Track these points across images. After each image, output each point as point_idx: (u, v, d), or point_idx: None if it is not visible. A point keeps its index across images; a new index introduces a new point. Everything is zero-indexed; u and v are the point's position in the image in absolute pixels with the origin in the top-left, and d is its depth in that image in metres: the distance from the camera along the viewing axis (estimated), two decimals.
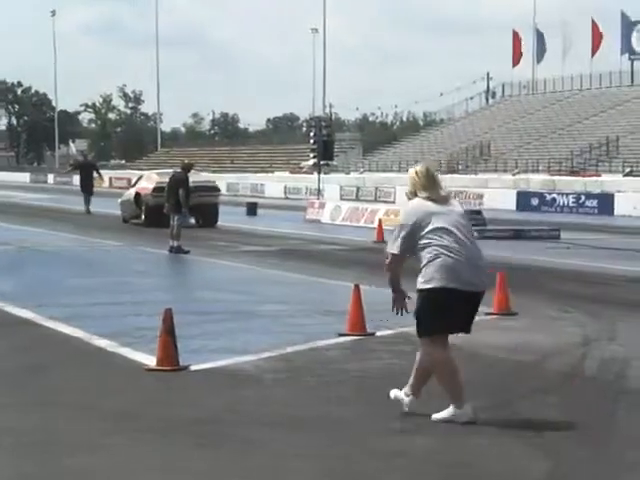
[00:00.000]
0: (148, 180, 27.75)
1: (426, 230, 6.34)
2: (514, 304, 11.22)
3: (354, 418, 6.52)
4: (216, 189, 28.41)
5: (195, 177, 28.09)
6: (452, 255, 6.31)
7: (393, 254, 6.49)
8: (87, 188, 33.30)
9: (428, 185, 6.50)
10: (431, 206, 6.42)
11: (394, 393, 6.70)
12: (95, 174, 33.97)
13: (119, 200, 29.48)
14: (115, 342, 9.06)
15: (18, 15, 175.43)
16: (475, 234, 6.78)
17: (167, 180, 24.94)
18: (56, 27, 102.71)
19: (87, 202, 32.85)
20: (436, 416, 6.36)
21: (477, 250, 6.51)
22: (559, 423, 6.39)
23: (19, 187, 64.23)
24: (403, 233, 6.42)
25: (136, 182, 29.07)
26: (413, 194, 6.54)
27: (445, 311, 6.35)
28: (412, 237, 6.39)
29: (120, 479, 5.16)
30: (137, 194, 27.47)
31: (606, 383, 7.68)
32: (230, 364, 8.20)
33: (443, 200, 6.52)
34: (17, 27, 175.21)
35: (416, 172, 6.59)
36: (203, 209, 26.14)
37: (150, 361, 8.03)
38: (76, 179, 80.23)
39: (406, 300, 6.60)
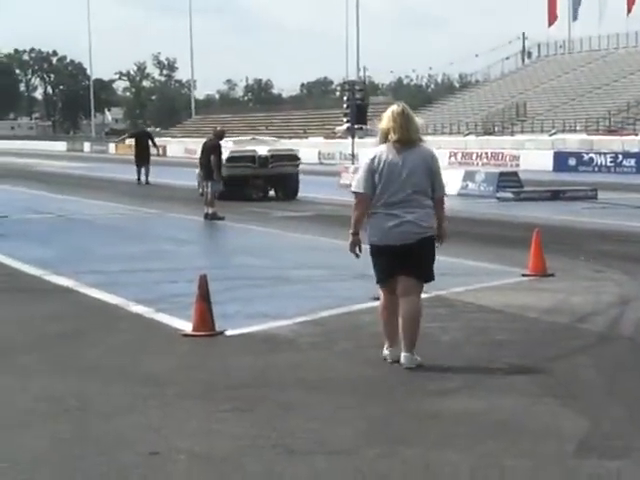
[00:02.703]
0: (223, 149, 26.23)
1: (376, 175, 6.73)
2: (550, 265, 11.15)
3: (390, 381, 6.54)
4: (296, 157, 26.03)
5: (273, 145, 26.96)
6: (379, 208, 6.74)
7: (355, 193, 6.89)
8: (144, 158, 32.12)
9: (401, 125, 6.74)
10: (386, 151, 6.76)
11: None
12: (151, 143, 32.69)
13: (196, 171, 28.02)
14: (151, 308, 9.13)
15: None
16: (438, 183, 6.87)
17: (245, 148, 25.00)
18: None
19: (144, 173, 31.72)
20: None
21: (415, 200, 6.71)
22: (596, 384, 6.36)
23: (56, 156, 64.68)
24: (362, 173, 6.84)
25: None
26: (384, 132, 6.80)
27: (377, 263, 6.89)
28: (369, 177, 6.77)
29: (157, 443, 5.20)
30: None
31: None
32: (265, 329, 8.24)
33: (410, 143, 6.77)
34: None
35: (392, 112, 6.85)
36: (281, 180, 24.68)
37: (186, 327, 8.09)
38: (112, 147, 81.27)
39: (356, 248, 6.93)
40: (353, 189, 6.92)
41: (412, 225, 6.71)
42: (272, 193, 25.01)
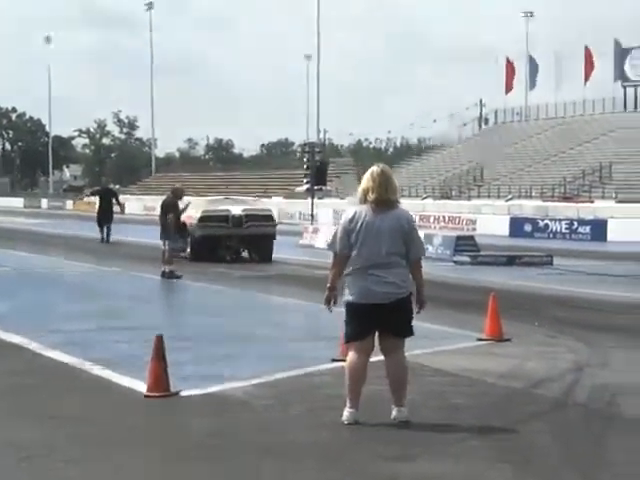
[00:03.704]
0: (195, 209, 24.22)
1: (353, 235, 6.86)
2: (506, 330, 11.22)
3: (345, 445, 6.51)
4: (271, 218, 25.01)
5: (248, 205, 25.97)
6: (358, 268, 6.83)
7: (333, 253, 7.01)
8: (107, 216, 31.25)
9: (379, 185, 6.88)
10: (365, 211, 6.89)
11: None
12: (115, 202, 31.77)
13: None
14: (106, 368, 9.03)
15: (12, 41, 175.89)
16: (415, 245, 7.01)
17: (218, 208, 24.07)
18: (50, 53, 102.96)
19: (106, 230, 30.91)
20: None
21: (393, 262, 6.84)
22: (550, 450, 6.38)
23: (14, 212, 64.17)
24: (339, 234, 6.95)
25: (183, 210, 25.20)
26: (364, 192, 6.93)
27: (351, 321, 6.93)
28: (346, 237, 6.91)
29: None
30: (183, 224, 22.82)
31: (597, 410, 7.67)
32: (221, 390, 8.19)
33: (388, 204, 6.91)
34: (11, 52, 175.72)
35: (372, 172, 6.99)
36: (256, 241, 23.66)
37: (141, 387, 8.01)
38: (69, 204, 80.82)
39: (331, 302, 7.05)
40: (330, 248, 7.06)
41: (393, 286, 6.84)
42: (245, 255, 24.17)
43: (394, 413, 6.95)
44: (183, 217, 23.59)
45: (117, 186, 49.08)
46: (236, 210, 24.12)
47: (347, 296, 6.97)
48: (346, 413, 6.96)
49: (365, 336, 6.92)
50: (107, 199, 31.99)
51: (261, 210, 25.80)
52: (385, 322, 6.86)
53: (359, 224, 6.87)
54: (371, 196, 6.89)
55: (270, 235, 24.11)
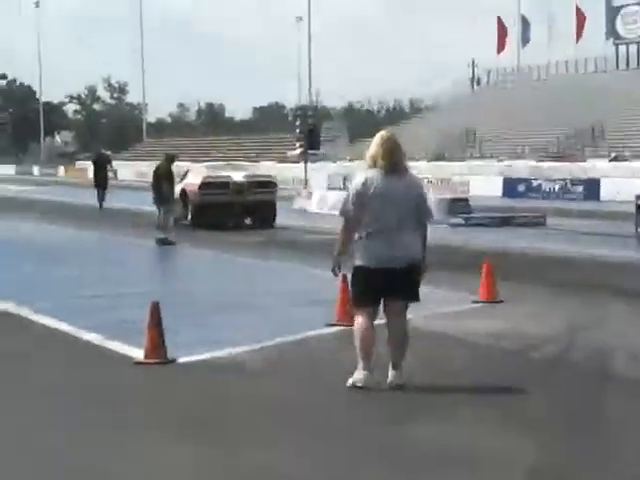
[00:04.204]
0: (195, 175, 24.28)
1: (366, 199, 6.85)
2: (500, 292, 11.25)
3: (342, 409, 6.54)
4: (273, 184, 24.66)
5: (249, 171, 26.12)
6: (373, 233, 6.84)
7: (343, 216, 7.01)
8: (102, 182, 31.40)
9: (388, 151, 6.91)
10: (376, 176, 6.89)
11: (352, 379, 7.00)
12: (109, 168, 31.86)
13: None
14: (102, 335, 9.03)
15: (2, 6, 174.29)
16: (424, 209, 7.10)
17: (218, 174, 23.79)
18: (40, 18, 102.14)
19: (100, 198, 31.08)
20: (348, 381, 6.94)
21: (406, 226, 6.88)
22: (546, 413, 6.41)
23: (5, 180, 63.93)
24: (351, 199, 6.94)
25: (183, 177, 24.64)
26: (373, 158, 6.93)
27: (361, 285, 6.95)
28: (357, 202, 6.89)
29: (103, 473, 5.14)
30: (183, 191, 23.40)
31: (593, 371, 7.71)
32: (217, 356, 8.19)
33: (398, 169, 6.94)
34: (1, 18, 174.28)
35: (380, 137, 7.03)
36: (258, 207, 23.40)
37: (138, 354, 8.02)
38: (61, 170, 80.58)
39: (338, 268, 7.10)
40: (341, 213, 7.04)
41: (406, 250, 6.89)
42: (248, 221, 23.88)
43: (390, 376, 6.98)
44: (184, 184, 23.78)
45: (109, 152, 48.80)
46: (237, 176, 23.86)
47: (359, 260, 6.96)
48: (360, 376, 6.92)
49: (375, 301, 6.95)
50: (101, 165, 32.11)
51: (262, 176, 25.48)
52: (396, 286, 6.89)
53: (371, 189, 6.88)
54: (381, 162, 6.92)
55: (272, 201, 23.91)
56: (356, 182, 7.02)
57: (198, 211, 23.07)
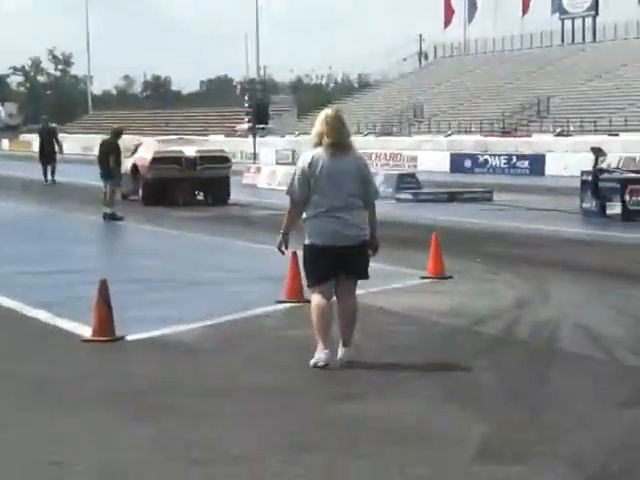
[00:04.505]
0: (146, 150, 23.75)
1: (312, 179, 6.84)
2: (448, 267, 11.34)
3: (292, 386, 6.56)
4: (227, 159, 24.26)
5: (202, 146, 25.45)
6: (322, 212, 6.83)
7: (290, 196, 7.02)
8: (50, 156, 30.64)
9: (334, 129, 6.89)
10: (322, 155, 6.87)
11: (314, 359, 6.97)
12: (55, 142, 30.95)
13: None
14: (49, 312, 8.96)
15: None
16: (371, 188, 7.11)
17: (170, 149, 23.29)
18: None
19: (50, 171, 30.36)
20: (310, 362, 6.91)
21: (355, 204, 6.89)
22: (495, 388, 6.49)
23: None
24: (297, 178, 6.94)
25: (134, 151, 24.37)
26: (319, 136, 6.92)
27: (315, 264, 6.95)
28: (304, 181, 6.89)
29: (55, 453, 5.11)
30: (134, 166, 23.18)
31: (539, 347, 7.82)
32: (167, 334, 8.17)
33: (344, 147, 6.94)
34: None
35: (326, 115, 7.00)
36: (211, 184, 23.06)
37: (86, 332, 7.96)
38: (5, 143, 79.32)
39: (282, 246, 7.08)
40: (288, 192, 7.04)
41: (357, 228, 6.91)
42: (200, 197, 23.69)
43: (340, 353, 7.01)
44: (135, 158, 23.51)
45: (53, 124, 47.99)
46: (189, 152, 23.35)
47: (308, 239, 6.97)
48: (322, 355, 6.88)
49: (330, 278, 6.94)
50: (48, 138, 31.31)
51: (215, 151, 24.97)
52: (346, 264, 6.91)
53: (318, 168, 6.85)
54: (327, 140, 6.88)
55: (225, 177, 23.53)
56: (302, 161, 7.00)
57: (149, 187, 22.69)
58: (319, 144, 6.94)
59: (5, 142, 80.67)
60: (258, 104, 39.26)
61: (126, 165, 23.10)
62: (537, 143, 43.27)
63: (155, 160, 22.63)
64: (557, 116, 50.07)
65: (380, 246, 7.22)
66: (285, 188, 7.25)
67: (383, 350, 7.60)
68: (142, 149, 24.06)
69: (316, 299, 6.99)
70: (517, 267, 12.29)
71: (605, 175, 19.68)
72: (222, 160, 23.92)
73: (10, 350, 7.70)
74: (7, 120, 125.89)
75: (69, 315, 8.79)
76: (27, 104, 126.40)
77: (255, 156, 41.27)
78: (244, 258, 13.68)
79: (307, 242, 7.00)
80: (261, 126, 42.04)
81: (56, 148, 31.00)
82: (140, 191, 23.00)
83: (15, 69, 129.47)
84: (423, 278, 11.15)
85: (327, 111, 7.06)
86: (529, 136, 46.37)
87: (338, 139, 6.90)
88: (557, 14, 64.19)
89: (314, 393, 6.38)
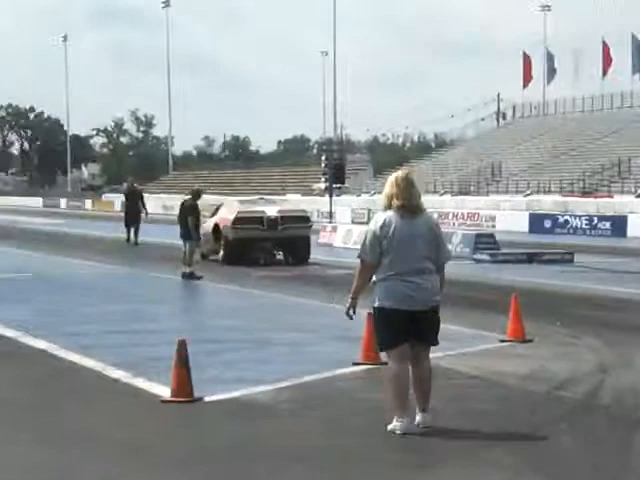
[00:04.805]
0: (228, 210, 23.91)
1: (384, 242, 6.79)
2: (528, 330, 11.18)
3: (367, 451, 6.50)
4: (306, 219, 24.21)
5: (283, 206, 25.68)
6: (393, 275, 6.78)
7: (361, 259, 6.96)
8: (134, 217, 30.67)
9: (404, 191, 6.86)
10: (393, 218, 6.84)
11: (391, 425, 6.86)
12: (140, 204, 30.80)
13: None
14: (129, 373, 9.06)
15: (30, 40, 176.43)
16: (443, 250, 7.05)
17: (252, 209, 23.46)
18: (68, 52, 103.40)
19: (134, 232, 30.31)
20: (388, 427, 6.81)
21: (427, 267, 6.84)
22: (576, 456, 6.35)
23: (33, 212, 64.41)
24: (369, 241, 6.89)
25: (215, 211, 24.62)
26: (388, 198, 6.88)
27: (384, 327, 6.87)
28: (376, 244, 6.84)
29: None
30: (216, 226, 23.33)
31: (622, 414, 7.63)
32: (244, 394, 8.19)
33: (415, 209, 6.89)
34: (29, 52, 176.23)
35: (396, 177, 6.96)
36: (292, 243, 23.02)
37: (165, 392, 8.03)
38: (88, 203, 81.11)
39: (351, 311, 7.01)
40: (359, 255, 6.98)
41: (428, 292, 6.83)
42: (280, 257, 23.53)
43: (418, 418, 6.92)
44: (216, 219, 23.69)
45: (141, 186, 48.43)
46: (271, 211, 23.41)
47: (380, 303, 6.88)
48: (399, 424, 6.79)
49: (401, 343, 6.83)
50: (133, 200, 31.32)
51: (297, 211, 25.15)
52: (418, 329, 6.82)
53: (390, 231, 6.81)
54: (396, 202, 6.85)
55: (306, 237, 23.48)
56: (373, 224, 6.95)
57: (231, 246, 22.68)
58: (389, 206, 6.90)
59: (88, 202, 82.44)
60: (335, 164, 39.50)
61: (207, 225, 23.44)
62: (618, 204, 42.65)
63: (238, 220, 22.70)
64: (638, 177, 49.37)
65: (458, 307, 7.19)
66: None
67: (461, 415, 7.49)
68: (224, 209, 24.22)
69: (391, 365, 6.91)
70: (599, 330, 12.05)
71: None
72: (303, 220, 23.99)
73: (93, 412, 7.77)
74: (90, 181, 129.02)
75: (149, 375, 8.87)
76: (109, 165, 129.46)
77: (331, 215, 41.43)
78: (320, 318, 13.67)
79: (376, 305, 6.93)
80: (337, 185, 42.24)
81: (141, 210, 31.03)
82: (221, 251, 23.05)
83: (99, 130, 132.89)
84: (502, 341, 11.00)
85: (397, 173, 7.04)
86: (610, 197, 45.75)
87: (409, 201, 6.86)
88: (637, 75, 63.65)
89: (388, 460, 6.31)
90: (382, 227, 6.85)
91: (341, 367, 9.40)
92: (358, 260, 7.04)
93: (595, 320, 13.26)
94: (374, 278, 6.93)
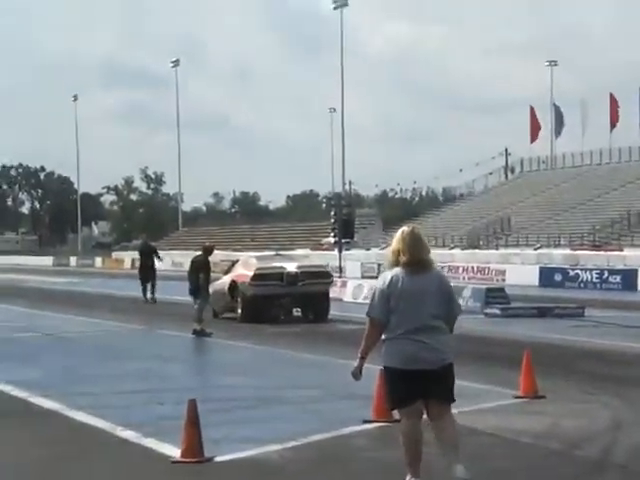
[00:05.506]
0: (246, 266, 23.44)
1: (392, 300, 6.65)
2: (541, 386, 11.08)
3: None
4: (327, 275, 23.95)
5: (303, 261, 25.73)
6: (401, 334, 6.62)
7: (370, 317, 6.79)
8: (150, 273, 30.19)
9: (412, 246, 6.73)
10: (401, 274, 6.71)
11: None
12: (155, 258, 30.74)
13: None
14: (139, 432, 8.99)
15: (40, 100, 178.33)
16: (453, 304, 6.89)
17: (271, 265, 23.04)
18: (78, 112, 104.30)
19: (150, 289, 29.98)
20: None
21: (436, 326, 6.67)
22: None
23: (43, 271, 64.47)
24: (377, 299, 6.74)
25: (230, 268, 24.34)
26: (395, 254, 6.76)
27: (392, 387, 6.75)
28: (384, 302, 6.69)
29: None
30: (232, 283, 22.80)
31: (637, 470, 7.52)
32: (255, 454, 8.11)
33: (423, 265, 6.75)
34: (40, 112, 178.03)
35: (402, 232, 6.84)
36: (312, 299, 22.50)
37: (175, 452, 7.96)
38: (98, 261, 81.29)
39: (358, 371, 6.85)
40: (368, 314, 6.81)
41: (437, 352, 6.64)
42: (298, 313, 23.05)
43: (458, 473, 6.68)
44: (233, 275, 23.28)
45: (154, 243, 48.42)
46: (291, 267, 22.91)
47: (388, 362, 6.73)
48: None
49: (412, 402, 6.69)
50: (147, 256, 31.08)
51: (317, 267, 24.82)
52: (430, 389, 6.65)
53: (398, 288, 6.67)
54: (403, 258, 6.71)
55: (326, 292, 23.01)
56: (381, 281, 6.81)
57: (249, 303, 22.14)
58: (396, 262, 6.76)
59: (98, 260, 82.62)
60: (344, 219, 39.60)
61: (222, 282, 23.31)
62: (629, 257, 42.56)
63: (257, 276, 22.20)
64: None
65: (470, 363, 7.09)
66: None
67: (478, 474, 7.37)
68: (240, 266, 23.76)
69: (402, 424, 6.80)
70: (612, 387, 11.94)
71: None
72: (323, 275, 23.57)
73: (102, 474, 7.71)
74: (100, 238, 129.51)
75: (158, 436, 8.80)
76: (119, 222, 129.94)
77: (341, 269, 41.40)
78: (331, 375, 13.58)
79: (385, 364, 6.77)
80: (346, 240, 42.30)
81: (156, 264, 30.75)
82: (239, 309, 22.51)
83: (108, 188, 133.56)
84: (516, 397, 10.90)
85: (404, 228, 6.90)
86: (620, 250, 45.67)
87: (417, 256, 6.71)
88: None
89: None
90: (389, 285, 6.70)
91: (351, 425, 9.30)
92: (367, 318, 6.93)
93: (607, 376, 13.14)
94: (383, 336, 6.80)
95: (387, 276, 6.80)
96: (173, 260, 65.25)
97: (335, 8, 71.88)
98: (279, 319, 22.32)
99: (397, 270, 6.76)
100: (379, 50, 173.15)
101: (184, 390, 10.28)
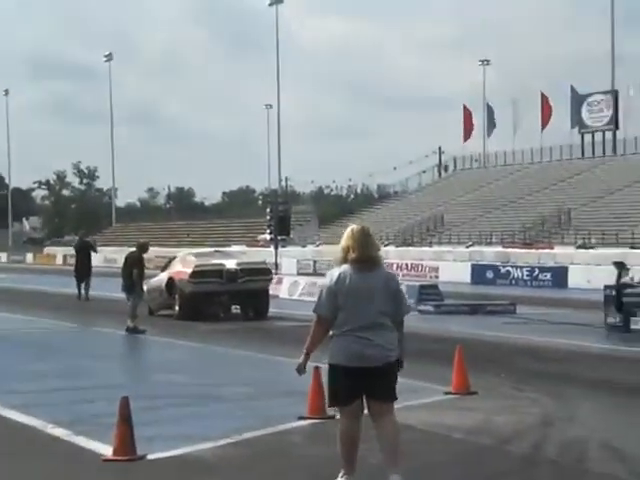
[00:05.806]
0: (184, 263, 23.09)
1: (340, 296, 6.66)
2: (473, 382, 11.20)
3: None
4: (267, 272, 23.71)
5: (242, 257, 25.09)
6: (347, 330, 6.62)
7: (317, 314, 6.79)
8: (85, 272, 29.42)
9: (361, 244, 6.74)
10: (349, 271, 6.71)
11: None
12: (92, 253, 30.25)
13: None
14: (70, 430, 8.89)
15: None
16: (401, 304, 6.89)
17: (209, 262, 22.67)
18: (9, 106, 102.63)
19: (84, 287, 29.22)
20: None
21: (381, 323, 6.67)
22: None
23: None
24: (324, 296, 6.74)
25: (167, 265, 24.11)
26: (345, 250, 6.76)
27: (335, 384, 6.72)
28: (332, 299, 6.69)
29: None
30: (170, 280, 22.59)
31: (567, 466, 7.65)
32: (188, 452, 8.07)
33: (372, 262, 6.77)
34: None
35: (352, 230, 6.86)
36: (251, 297, 22.38)
37: (106, 450, 7.88)
38: (29, 257, 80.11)
39: (302, 367, 6.85)
40: (314, 310, 6.79)
41: (382, 349, 6.64)
42: (237, 311, 22.90)
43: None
44: (170, 272, 22.97)
45: (77, 237, 47.94)
46: (230, 264, 22.68)
47: (332, 358, 6.73)
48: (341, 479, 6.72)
49: (353, 400, 6.69)
50: (84, 253, 30.35)
51: (256, 263, 24.46)
52: (373, 386, 6.66)
53: (345, 285, 6.66)
54: (353, 255, 6.71)
55: (266, 289, 22.98)
56: (329, 278, 6.81)
57: (187, 301, 21.93)
58: (345, 259, 6.76)
59: (29, 256, 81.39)
60: (280, 216, 39.56)
61: (159, 279, 23.11)
62: (559, 255, 43.23)
63: (195, 273, 21.97)
64: (579, 228, 50.17)
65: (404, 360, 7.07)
66: (306, 298, 7.16)
67: (409, 469, 7.41)
68: (178, 263, 23.49)
69: (341, 423, 6.80)
70: (542, 383, 12.12)
71: (629, 290, 19.53)
72: (263, 272, 23.36)
73: (32, 472, 7.60)
74: (31, 234, 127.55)
75: (90, 434, 8.71)
76: (51, 218, 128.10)
77: (277, 266, 41.33)
78: (266, 372, 13.59)
79: (330, 362, 6.78)
80: (282, 237, 42.26)
81: (92, 260, 30.17)
82: (177, 306, 22.29)
83: (40, 183, 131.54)
84: (447, 394, 11.01)
85: (353, 226, 6.92)
86: (551, 248, 46.36)
87: (366, 254, 6.71)
88: (577, 128, 64.90)
89: None
90: (337, 282, 6.69)
91: (286, 422, 9.31)
92: (310, 313, 6.88)
93: (538, 372, 13.33)
94: (331, 332, 6.77)
95: (335, 273, 6.78)
96: (106, 256, 64.54)
97: (270, 4, 71.93)
98: (218, 317, 22.19)
99: (345, 267, 6.75)
100: (314, 47, 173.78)
101: (117, 387, 10.19)
